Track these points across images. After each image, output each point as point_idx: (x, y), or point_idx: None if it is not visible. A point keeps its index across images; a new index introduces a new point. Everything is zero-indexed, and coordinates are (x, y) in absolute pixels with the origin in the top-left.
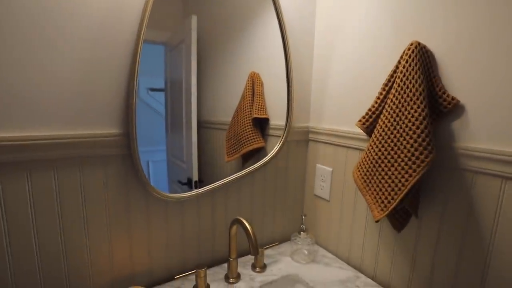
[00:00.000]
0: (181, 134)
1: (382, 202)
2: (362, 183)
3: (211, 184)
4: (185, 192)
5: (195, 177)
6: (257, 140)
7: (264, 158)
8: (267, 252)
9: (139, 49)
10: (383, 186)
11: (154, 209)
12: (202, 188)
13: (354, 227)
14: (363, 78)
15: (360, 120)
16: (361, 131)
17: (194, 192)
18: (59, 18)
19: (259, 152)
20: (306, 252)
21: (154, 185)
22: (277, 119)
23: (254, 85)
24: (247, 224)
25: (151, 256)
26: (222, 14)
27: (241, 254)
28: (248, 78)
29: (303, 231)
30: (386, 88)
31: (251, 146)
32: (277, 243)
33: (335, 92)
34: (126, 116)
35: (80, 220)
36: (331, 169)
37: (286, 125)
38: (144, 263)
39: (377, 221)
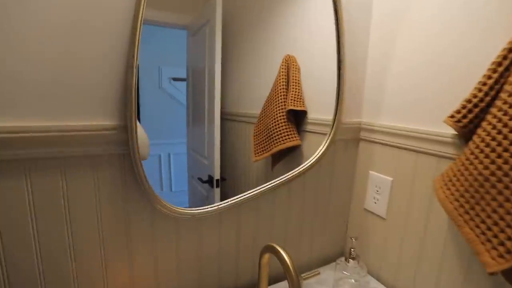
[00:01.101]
0: (203, 126)
1: (502, 243)
2: (456, 208)
3: (238, 190)
4: (206, 190)
5: (217, 175)
6: (292, 137)
7: (306, 162)
8: (305, 281)
9: (140, 11)
10: (503, 219)
11: (162, 226)
12: (225, 202)
13: (423, 257)
14: (450, 56)
15: (452, 116)
16: (445, 130)
17: (215, 207)
18: None
19: (292, 152)
20: (353, 281)
21: (175, 181)
22: (316, 112)
23: (289, 71)
24: (285, 256)
25: (158, 283)
26: None
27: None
28: (282, 62)
29: (353, 259)
30: (499, 70)
31: (284, 144)
32: (317, 271)
33: (401, 77)
34: (123, 103)
35: (64, 238)
36: (391, 178)
37: (334, 120)
38: None
39: (491, 274)
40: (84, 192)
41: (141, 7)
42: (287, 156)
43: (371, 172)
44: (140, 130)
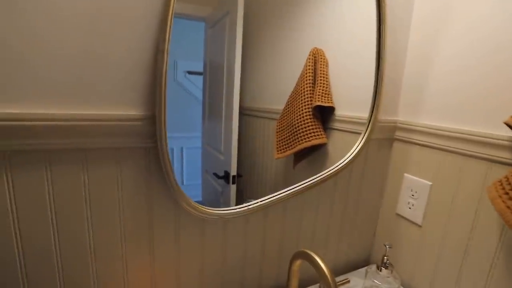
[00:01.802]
0: (220, 121)
1: None
2: None
3: (254, 186)
4: (221, 186)
5: (233, 171)
6: (318, 135)
7: (340, 162)
8: None
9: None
10: None
11: (187, 226)
12: (254, 203)
13: (464, 271)
14: (509, 48)
15: None
16: (500, 132)
17: (244, 208)
18: None
19: (317, 150)
20: None
21: (186, 174)
22: (345, 108)
23: (317, 64)
24: (323, 265)
25: (178, 283)
26: None
27: None
28: (309, 56)
29: (386, 267)
30: None
31: (309, 141)
32: (348, 279)
33: (450, 74)
34: (152, 92)
35: (84, 234)
36: (430, 183)
37: (370, 117)
38: None
39: None
40: (106, 186)
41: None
42: (311, 154)
43: (406, 175)
44: None
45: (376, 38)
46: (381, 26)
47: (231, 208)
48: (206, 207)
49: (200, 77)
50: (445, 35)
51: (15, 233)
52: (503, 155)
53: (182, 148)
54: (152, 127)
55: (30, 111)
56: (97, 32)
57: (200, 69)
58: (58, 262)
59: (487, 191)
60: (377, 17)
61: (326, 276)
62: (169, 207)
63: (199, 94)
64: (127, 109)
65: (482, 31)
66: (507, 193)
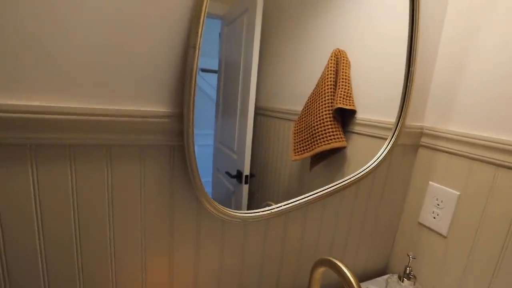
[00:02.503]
0: (234, 121)
1: None
2: None
3: (266, 187)
4: (233, 185)
5: (247, 171)
6: (338, 138)
7: (364, 168)
8: None
9: None
10: None
11: (207, 227)
12: (277, 207)
13: (495, 285)
14: None
15: None
16: None
17: (266, 211)
18: None
19: (335, 153)
20: None
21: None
22: (367, 112)
23: (339, 66)
24: (350, 276)
25: (196, 284)
26: None
27: None
28: (331, 56)
29: (408, 278)
30: None
31: (329, 144)
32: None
33: (482, 79)
34: (180, 88)
35: (106, 235)
36: (458, 192)
37: (397, 122)
38: None
39: None
40: (129, 183)
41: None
42: (329, 157)
43: (431, 183)
44: None
45: (408, 37)
46: (414, 24)
47: (253, 211)
48: (228, 209)
49: (213, 75)
50: (479, 44)
51: (38, 227)
52: None
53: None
54: (178, 125)
55: (53, 104)
56: (123, 25)
57: (214, 67)
58: (78, 258)
59: None
60: (410, 13)
61: (353, 286)
62: (191, 207)
63: (211, 91)
64: (154, 106)
65: None
66: None
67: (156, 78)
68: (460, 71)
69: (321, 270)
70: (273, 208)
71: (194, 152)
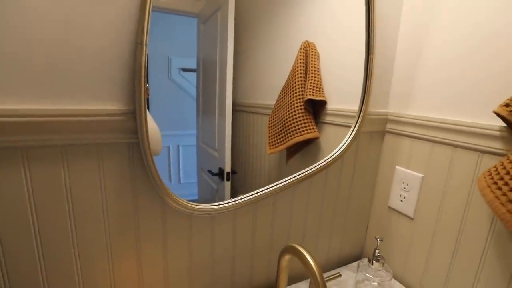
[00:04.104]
0: (213, 118)
1: None
2: (510, 211)
3: (249, 183)
4: (216, 183)
5: (228, 168)
6: (310, 129)
7: (330, 155)
8: None
9: None
10: None
11: (173, 222)
12: (241, 198)
13: (456, 264)
14: (501, 42)
15: (507, 105)
16: (491, 122)
17: (231, 203)
18: None
19: (309, 144)
20: (377, 285)
21: (183, 173)
22: (337, 102)
23: (308, 58)
24: (310, 260)
25: (168, 283)
26: None
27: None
28: (300, 49)
29: (377, 260)
30: None
31: (302, 135)
32: (339, 273)
33: (440, 66)
34: (132, 86)
35: (67, 234)
36: (421, 175)
37: (360, 110)
38: None
39: None
40: (88, 183)
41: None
42: (303, 148)
43: (397, 167)
44: (151, 123)
45: (365, 29)
46: (370, 18)
47: (219, 203)
48: (192, 203)
49: (194, 74)
50: (435, 25)
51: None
52: (494, 145)
53: (178, 146)
54: (133, 122)
55: (2, 107)
56: (74, 24)
57: (194, 66)
58: (41, 261)
59: (477, 181)
60: (366, 7)
61: (313, 270)
62: (155, 204)
63: (193, 91)
64: (108, 104)
65: (471, 21)
66: (495, 183)
67: (108, 76)
68: (417, 60)
69: (287, 257)
70: (238, 199)
71: (149, 148)
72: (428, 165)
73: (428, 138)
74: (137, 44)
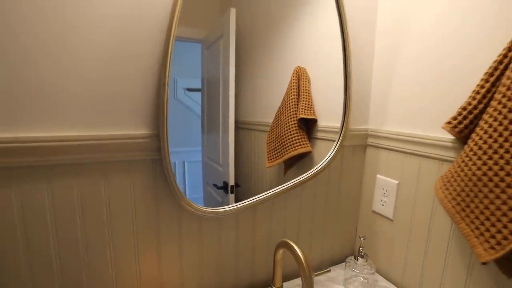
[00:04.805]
0: (218, 135)
1: (493, 237)
2: (453, 207)
3: (251, 195)
4: (221, 196)
5: (231, 182)
6: (303, 144)
7: (316, 167)
8: (316, 278)
9: (171, 39)
10: (493, 215)
11: (187, 224)
12: (242, 202)
13: (428, 256)
14: (447, 67)
15: (449, 122)
16: (446, 136)
17: (234, 206)
18: (81, 8)
19: (304, 158)
20: (362, 279)
21: (189, 187)
22: (326, 120)
23: (300, 81)
24: (298, 250)
25: (183, 276)
26: (263, 4)
27: (283, 277)
28: (293, 73)
29: (361, 257)
30: (491, 80)
31: (296, 150)
32: (328, 269)
33: (404, 86)
34: (156, 115)
35: (104, 234)
36: (396, 181)
37: (342, 127)
38: (174, 283)
39: (484, 263)
40: (122, 191)
41: (171, 39)
42: (299, 162)
43: (378, 176)
44: None
45: (343, 58)
46: (345, 49)
47: (224, 207)
48: (203, 207)
49: (199, 93)
50: (400, 58)
51: (52, 232)
52: (449, 154)
53: (184, 162)
54: (157, 143)
55: (62, 134)
56: (112, 72)
57: (199, 86)
58: (83, 257)
59: (434, 185)
60: (341, 39)
61: (302, 262)
62: (173, 207)
63: (198, 109)
64: (138, 129)
65: (423, 47)
66: (445, 185)
67: (139, 109)
68: (389, 82)
69: (280, 251)
70: (239, 204)
71: (170, 163)
72: (402, 173)
73: (400, 150)
74: (161, 85)
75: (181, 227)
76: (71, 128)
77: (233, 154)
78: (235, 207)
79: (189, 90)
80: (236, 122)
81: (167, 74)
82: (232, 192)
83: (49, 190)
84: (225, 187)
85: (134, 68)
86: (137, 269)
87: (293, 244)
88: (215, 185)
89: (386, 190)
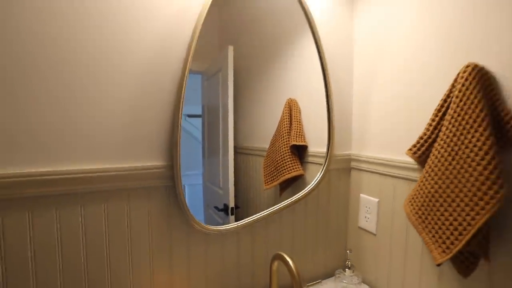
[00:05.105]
0: (218, 159)
1: (444, 242)
2: (416, 219)
3: (251, 215)
4: (221, 218)
5: (232, 204)
6: (296, 168)
7: (306, 188)
8: None
9: (184, 84)
10: (444, 224)
11: (195, 240)
12: (242, 221)
13: (407, 266)
14: (410, 103)
15: (410, 149)
16: (412, 160)
17: (235, 225)
18: (113, 56)
19: (297, 180)
20: None
21: (190, 209)
22: (316, 146)
23: (292, 111)
24: (290, 261)
25: (190, 285)
26: (258, 43)
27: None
28: (286, 105)
29: (349, 268)
30: (439, 114)
31: (289, 174)
32: (319, 280)
33: (378, 118)
34: (170, 148)
35: (126, 251)
36: (377, 199)
37: (327, 153)
38: None
39: (438, 265)
40: (141, 213)
41: (183, 89)
42: (293, 184)
43: (361, 195)
44: None
45: (325, 95)
46: (327, 88)
47: (226, 225)
48: (209, 225)
49: (198, 119)
50: (373, 96)
51: (83, 253)
52: (415, 175)
53: (184, 186)
54: (170, 172)
55: (94, 167)
56: (135, 118)
57: (199, 112)
58: (107, 264)
59: (404, 202)
60: (323, 80)
61: (293, 272)
62: (183, 226)
63: (198, 135)
64: (156, 161)
65: (391, 93)
66: (410, 201)
67: (157, 146)
68: (367, 115)
69: (276, 263)
70: (239, 223)
71: (182, 188)
72: (380, 192)
73: (378, 172)
74: (175, 126)
75: (190, 243)
76: (102, 162)
77: (233, 178)
78: (236, 225)
79: (190, 116)
80: (235, 147)
81: (180, 116)
82: (232, 214)
83: (83, 214)
84: (225, 209)
85: (152, 113)
86: (151, 284)
87: (287, 257)
88: (216, 207)
89: (369, 208)
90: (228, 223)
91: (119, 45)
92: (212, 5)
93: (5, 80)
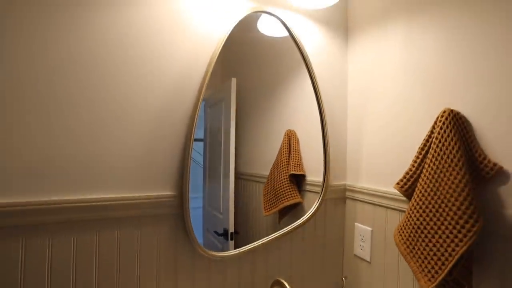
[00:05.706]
0: (219, 184)
1: (429, 271)
2: (405, 249)
3: (250, 241)
4: (221, 243)
5: (231, 229)
6: (294, 196)
7: (304, 216)
8: None
9: (194, 122)
10: (428, 254)
11: (199, 266)
12: (245, 247)
13: None
14: (397, 140)
15: (398, 183)
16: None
17: (237, 251)
18: (132, 96)
19: (295, 208)
20: None
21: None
22: (313, 175)
23: (291, 142)
24: (288, 287)
25: None
26: (259, 77)
27: None
28: (285, 135)
29: None
30: (423, 152)
31: (288, 201)
32: None
33: (370, 152)
34: (180, 179)
35: (134, 276)
36: (370, 228)
37: (323, 183)
38: None
39: None
40: (150, 239)
41: (192, 135)
42: (291, 211)
43: (356, 223)
44: None
45: (321, 130)
46: (323, 121)
47: (229, 252)
48: (213, 251)
49: (200, 143)
50: (365, 131)
51: (95, 276)
52: (405, 207)
53: None
54: (178, 201)
55: (110, 196)
56: (149, 148)
57: (201, 136)
58: None
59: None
60: (317, 103)
61: None
62: (188, 252)
63: (200, 159)
64: (166, 191)
65: (379, 128)
66: (399, 231)
67: (167, 181)
68: (360, 149)
69: None
70: (241, 249)
71: (189, 216)
72: (374, 221)
73: (372, 202)
74: (185, 160)
75: (194, 268)
76: (116, 191)
77: (233, 203)
78: (238, 251)
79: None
80: (236, 173)
81: (189, 153)
82: (231, 239)
83: (97, 239)
84: (225, 234)
85: (165, 144)
86: None
87: (285, 283)
88: (215, 232)
89: (363, 236)
90: (228, 248)
91: (138, 88)
92: (220, 52)
93: (42, 117)
